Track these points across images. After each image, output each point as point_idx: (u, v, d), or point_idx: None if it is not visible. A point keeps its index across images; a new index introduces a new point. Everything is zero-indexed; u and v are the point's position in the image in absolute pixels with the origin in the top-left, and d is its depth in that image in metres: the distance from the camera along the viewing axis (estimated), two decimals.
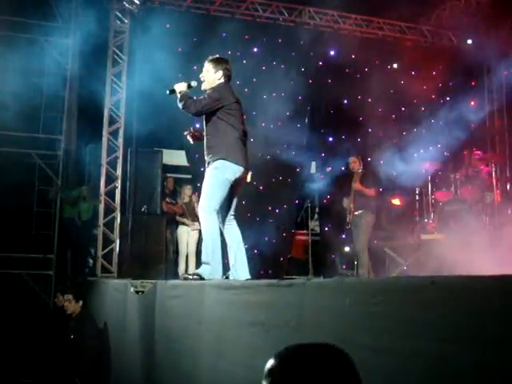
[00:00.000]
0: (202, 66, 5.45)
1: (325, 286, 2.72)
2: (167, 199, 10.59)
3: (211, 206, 5.07)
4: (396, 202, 10.79)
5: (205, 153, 5.30)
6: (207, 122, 5.26)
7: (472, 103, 12.22)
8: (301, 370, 1.37)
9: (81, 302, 7.33)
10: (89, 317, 7.40)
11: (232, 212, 5.33)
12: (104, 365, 7.00)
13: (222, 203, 5.18)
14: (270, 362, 1.42)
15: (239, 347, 3.34)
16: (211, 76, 5.31)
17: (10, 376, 8.30)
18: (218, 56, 5.47)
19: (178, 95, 5.25)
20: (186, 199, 10.37)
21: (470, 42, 11.91)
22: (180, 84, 5.34)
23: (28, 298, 9.94)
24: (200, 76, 5.36)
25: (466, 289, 1.82)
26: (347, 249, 10.79)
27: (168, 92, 5.45)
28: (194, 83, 5.39)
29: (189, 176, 11.26)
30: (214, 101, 5.15)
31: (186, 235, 10.29)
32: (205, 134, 5.32)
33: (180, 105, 5.22)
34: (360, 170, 9.03)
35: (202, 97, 5.23)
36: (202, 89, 5.35)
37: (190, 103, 5.16)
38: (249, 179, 5.50)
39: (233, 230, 5.31)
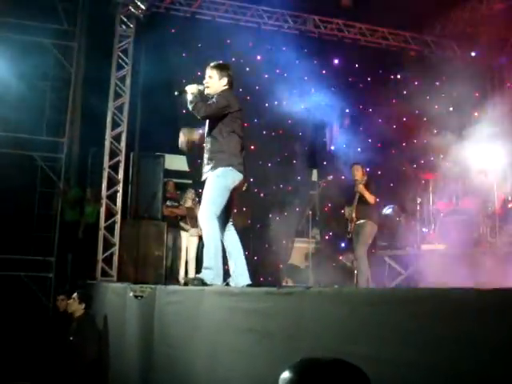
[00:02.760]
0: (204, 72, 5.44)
1: (324, 295, 2.72)
2: (168, 203, 10.55)
3: (212, 212, 5.07)
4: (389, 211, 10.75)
5: (205, 157, 5.30)
6: (211, 127, 5.26)
7: (475, 114, 12.23)
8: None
9: (83, 305, 7.34)
10: (90, 320, 7.41)
11: (230, 219, 5.35)
12: (102, 368, 6.99)
13: (222, 210, 5.19)
14: (286, 374, 1.41)
15: (236, 354, 3.34)
16: (215, 82, 5.32)
17: (8, 378, 8.29)
18: (221, 62, 5.47)
19: (190, 96, 5.23)
20: (189, 204, 10.33)
21: (473, 53, 11.93)
22: (192, 86, 5.32)
23: (27, 300, 9.92)
24: (204, 82, 5.36)
25: (464, 302, 1.83)
26: (346, 257, 10.77)
27: (177, 93, 5.45)
28: (201, 87, 5.37)
29: (190, 181, 11.28)
30: (222, 107, 5.17)
31: (185, 241, 10.26)
32: (207, 139, 5.32)
33: (190, 106, 5.20)
34: (365, 178, 9.03)
35: (210, 101, 5.23)
36: (206, 93, 5.35)
37: (200, 106, 5.15)
38: (244, 188, 5.52)
39: (232, 237, 5.31)
